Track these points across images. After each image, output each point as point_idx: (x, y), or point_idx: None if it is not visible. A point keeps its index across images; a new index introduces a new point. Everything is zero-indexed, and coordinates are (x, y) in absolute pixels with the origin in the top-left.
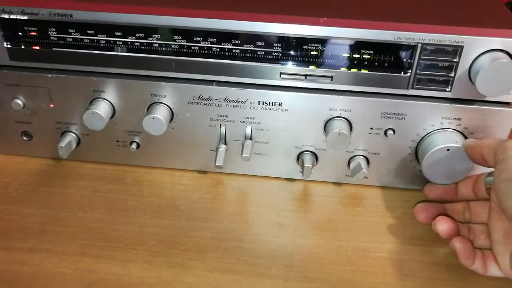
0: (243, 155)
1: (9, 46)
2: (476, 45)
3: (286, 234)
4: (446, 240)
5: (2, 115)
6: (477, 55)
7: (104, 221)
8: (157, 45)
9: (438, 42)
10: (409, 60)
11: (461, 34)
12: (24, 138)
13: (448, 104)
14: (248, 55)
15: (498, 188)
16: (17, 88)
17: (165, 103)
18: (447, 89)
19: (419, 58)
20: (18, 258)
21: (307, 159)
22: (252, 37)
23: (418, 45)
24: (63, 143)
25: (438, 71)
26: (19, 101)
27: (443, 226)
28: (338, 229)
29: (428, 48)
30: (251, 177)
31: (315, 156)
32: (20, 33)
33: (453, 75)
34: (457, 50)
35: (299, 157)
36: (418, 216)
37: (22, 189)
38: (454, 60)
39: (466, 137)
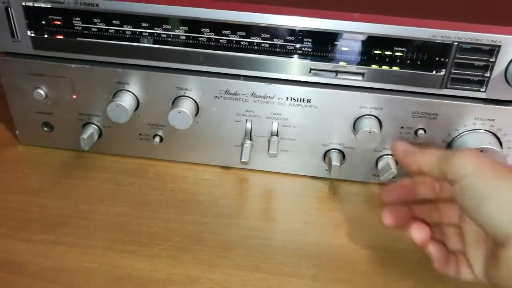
0: (270, 152)
1: (32, 35)
2: None
3: (314, 233)
4: (420, 247)
5: (24, 105)
6: None
7: (127, 215)
8: (184, 37)
9: (475, 41)
10: (443, 59)
11: (499, 33)
12: (45, 129)
13: (482, 105)
14: (278, 49)
15: (463, 207)
16: (39, 78)
17: (191, 96)
18: (482, 89)
19: (454, 57)
20: (41, 251)
21: (335, 157)
22: (282, 31)
23: (454, 43)
24: (85, 135)
25: (473, 71)
26: (41, 91)
27: (418, 233)
28: (366, 229)
29: (464, 47)
30: (276, 174)
31: (343, 154)
32: (44, 22)
33: (488, 75)
34: (493, 50)
35: (325, 155)
36: (385, 220)
37: (43, 181)
38: (491, 60)
39: (499, 139)
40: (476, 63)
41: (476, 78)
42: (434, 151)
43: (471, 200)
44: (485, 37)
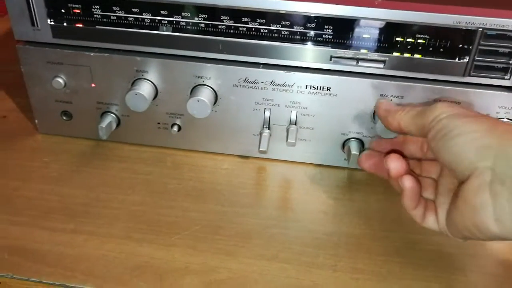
0: (288, 141)
1: (52, 23)
2: None
3: (332, 223)
4: (395, 179)
5: (43, 94)
6: None
7: (146, 204)
8: (203, 25)
9: (500, 27)
10: (467, 46)
11: None
12: (64, 118)
13: (506, 93)
14: (298, 37)
15: (434, 147)
16: (59, 66)
17: (210, 85)
18: (506, 77)
19: (478, 44)
20: (61, 239)
21: (354, 147)
22: (302, 18)
23: (478, 30)
24: (103, 124)
25: (497, 58)
26: (60, 80)
27: (395, 163)
28: (384, 219)
29: (488, 33)
30: (294, 163)
31: (362, 143)
32: (63, 10)
33: None
34: None
35: (344, 144)
36: (363, 163)
37: (62, 169)
38: None
39: None
40: (500, 50)
41: (501, 66)
42: (411, 108)
43: (443, 138)
44: (510, 23)
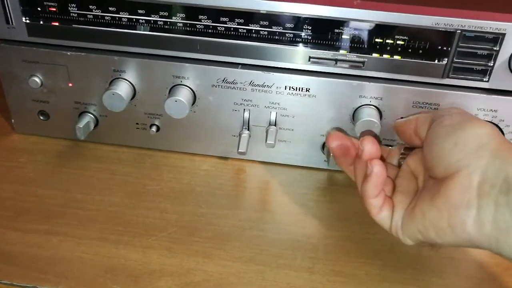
0: (267, 142)
1: (27, 21)
2: None
3: (311, 225)
4: (365, 162)
5: (20, 93)
6: None
7: (123, 205)
8: (181, 24)
9: (478, 29)
10: (445, 48)
11: (503, 21)
12: (41, 117)
13: (484, 95)
14: (276, 37)
15: (433, 134)
16: (35, 65)
17: (188, 85)
18: (485, 79)
19: (457, 45)
20: (35, 241)
21: None
22: (281, 18)
23: (457, 31)
24: (81, 124)
25: (476, 60)
26: (36, 79)
27: (371, 146)
28: (364, 221)
29: (467, 35)
30: (274, 165)
31: None
32: (39, 8)
33: (492, 64)
34: (498, 38)
35: (324, 145)
36: (331, 142)
37: (38, 170)
38: (494, 48)
39: (501, 130)
40: (479, 52)
41: (479, 68)
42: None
43: (448, 126)
44: (489, 25)
